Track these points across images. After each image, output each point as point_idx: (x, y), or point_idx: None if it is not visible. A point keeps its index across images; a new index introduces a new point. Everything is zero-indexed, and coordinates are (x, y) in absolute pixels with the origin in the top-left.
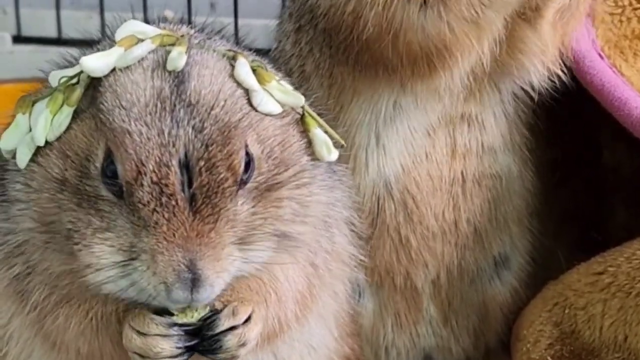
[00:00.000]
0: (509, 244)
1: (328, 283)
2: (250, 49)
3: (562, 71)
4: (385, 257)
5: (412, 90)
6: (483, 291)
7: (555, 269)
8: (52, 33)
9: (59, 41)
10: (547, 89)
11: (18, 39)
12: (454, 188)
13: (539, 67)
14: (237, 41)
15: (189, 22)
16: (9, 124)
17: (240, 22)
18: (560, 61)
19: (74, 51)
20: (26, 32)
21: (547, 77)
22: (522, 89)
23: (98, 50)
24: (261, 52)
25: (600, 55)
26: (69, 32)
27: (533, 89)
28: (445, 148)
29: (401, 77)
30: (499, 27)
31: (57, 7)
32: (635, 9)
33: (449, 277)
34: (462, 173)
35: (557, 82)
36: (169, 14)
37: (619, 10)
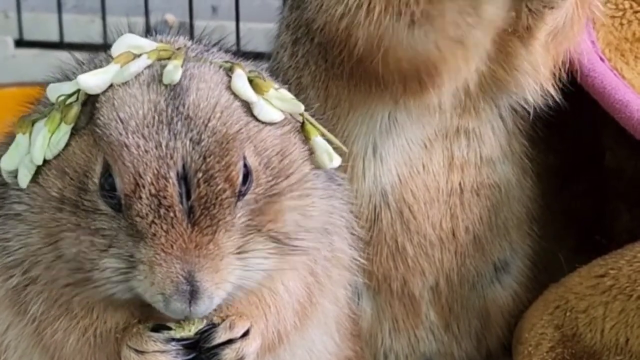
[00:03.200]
0: (508, 249)
1: (329, 290)
2: (251, 53)
3: (556, 89)
4: (382, 263)
5: (406, 105)
6: (484, 295)
7: (556, 271)
8: (54, 37)
9: (61, 45)
10: (544, 103)
11: (20, 42)
12: (451, 199)
13: (533, 85)
14: (239, 45)
15: (191, 26)
16: (9, 132)
17: (242, 25)
18: (554, 81)
19: (71, 64)
20: (28, 36)
21: (541, 94)
22: (519, 103)
23: (95, 66)
24: (263, 56)
25: (601, 58)
26: (71, 36)
27: (529, 104)
28: (443, 160)
29: (394, 93)
30: (487, 46)
31: (59, 11)
32: (636, 12)
33: (448, 283)
34: (459, 184)
35: (550, 100)
36: (170, 18)
37: (620, 14)
